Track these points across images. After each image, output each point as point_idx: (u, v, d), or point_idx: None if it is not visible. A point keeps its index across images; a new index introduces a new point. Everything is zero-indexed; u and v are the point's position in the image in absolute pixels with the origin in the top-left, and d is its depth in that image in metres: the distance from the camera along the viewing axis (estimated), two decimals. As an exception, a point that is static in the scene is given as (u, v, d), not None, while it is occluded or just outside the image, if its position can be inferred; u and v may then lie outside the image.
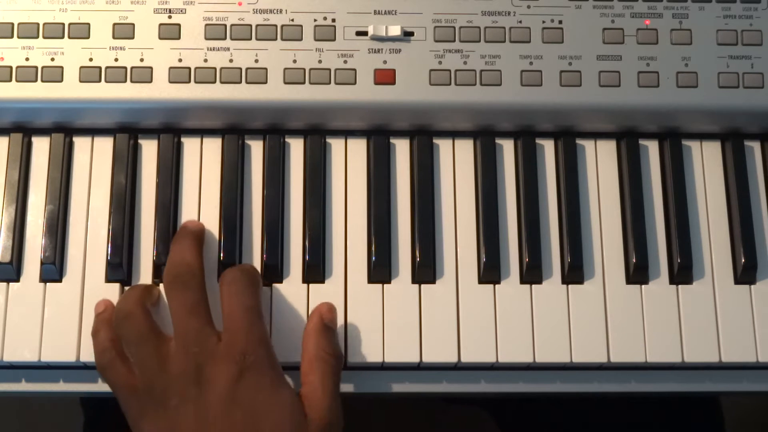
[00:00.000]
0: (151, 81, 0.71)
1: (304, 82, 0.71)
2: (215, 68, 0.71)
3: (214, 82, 0.71)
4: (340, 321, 0.69)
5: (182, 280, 0.66)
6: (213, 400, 0.63)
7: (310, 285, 0.70)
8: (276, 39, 0.72)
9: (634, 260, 0.71)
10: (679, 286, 0.72)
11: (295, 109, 0.72)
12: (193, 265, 0.67)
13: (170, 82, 0.71)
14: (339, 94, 0.71)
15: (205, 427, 0.62)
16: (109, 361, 0.66)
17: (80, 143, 0.73)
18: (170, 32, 0.71)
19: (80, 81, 0.70)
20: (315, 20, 0.72)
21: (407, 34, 0.72)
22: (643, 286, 0.71)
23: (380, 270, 0.71)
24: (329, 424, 0.64)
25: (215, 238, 0.71)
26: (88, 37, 0.71)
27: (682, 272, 0.71)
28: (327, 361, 0.66)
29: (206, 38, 0.71)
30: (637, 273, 0.71)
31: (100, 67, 0.71)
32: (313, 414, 0.64)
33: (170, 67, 0.71)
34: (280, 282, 0.71)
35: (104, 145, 0.73)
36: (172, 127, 0.73)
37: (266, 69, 0.71)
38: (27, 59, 0.71)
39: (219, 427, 0.62)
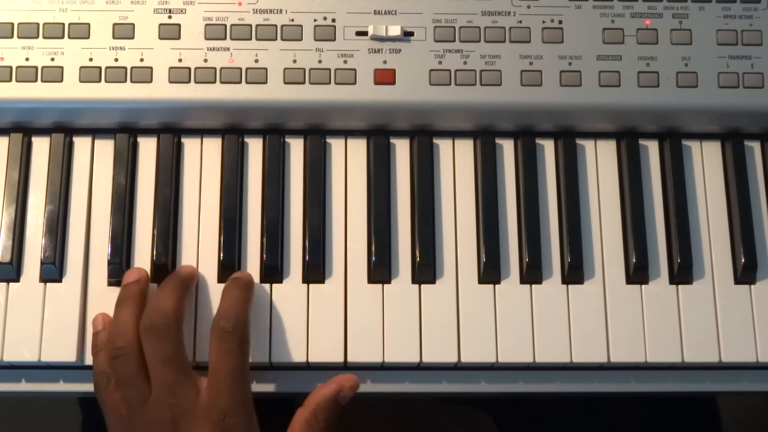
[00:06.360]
0: (151, 81, 0.71)
1: (304, 82, 0.71)
2: (215, 68, 0.71)
3: (214, 82, 0.71)
4: (340, 321, 0.69)
5: (157, 330, 0.65)
6: None
7: (310, 285, 0.70)
8: (276, 39, 0.72)
9: (634, 260, 0.71)
10: (679, 286, 0.72)
11: (295, 109, 0.72)
12: (170, 315, 0.66)
13: (170, 82, 0.71)
14: (339, 94, 0.71)
15: None
16: (104, 386, 0.66)
17: (80, 143, 0.73)
18: (170, 32, 0.71)
19: (80, 81, 0.70)
20: (315, 20, 0.72)
21: (407, 34, 0.72)
22: (643, 286, 0.71)
23: (380, 270, 0.70)
24: None
25: (215, 239, 0.71)
26: (88, 37, 0.71)
27: (682, 272, 0.71)
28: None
29: (206, 38, 0.71)
30: (637, 273, 0.71)
31: (100, 67, 0.71)
32: None
33: (170, 67, 0.71)
34: (280, 282, 0.70)
35: (104, 145, 0.73)
36: (172, 127, 0.73)
37: (266, 69, 0.71)
38: (27, 59, 0.71)
39: None
